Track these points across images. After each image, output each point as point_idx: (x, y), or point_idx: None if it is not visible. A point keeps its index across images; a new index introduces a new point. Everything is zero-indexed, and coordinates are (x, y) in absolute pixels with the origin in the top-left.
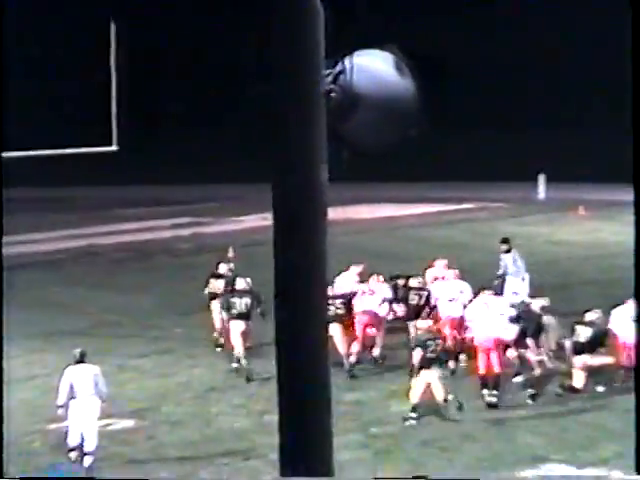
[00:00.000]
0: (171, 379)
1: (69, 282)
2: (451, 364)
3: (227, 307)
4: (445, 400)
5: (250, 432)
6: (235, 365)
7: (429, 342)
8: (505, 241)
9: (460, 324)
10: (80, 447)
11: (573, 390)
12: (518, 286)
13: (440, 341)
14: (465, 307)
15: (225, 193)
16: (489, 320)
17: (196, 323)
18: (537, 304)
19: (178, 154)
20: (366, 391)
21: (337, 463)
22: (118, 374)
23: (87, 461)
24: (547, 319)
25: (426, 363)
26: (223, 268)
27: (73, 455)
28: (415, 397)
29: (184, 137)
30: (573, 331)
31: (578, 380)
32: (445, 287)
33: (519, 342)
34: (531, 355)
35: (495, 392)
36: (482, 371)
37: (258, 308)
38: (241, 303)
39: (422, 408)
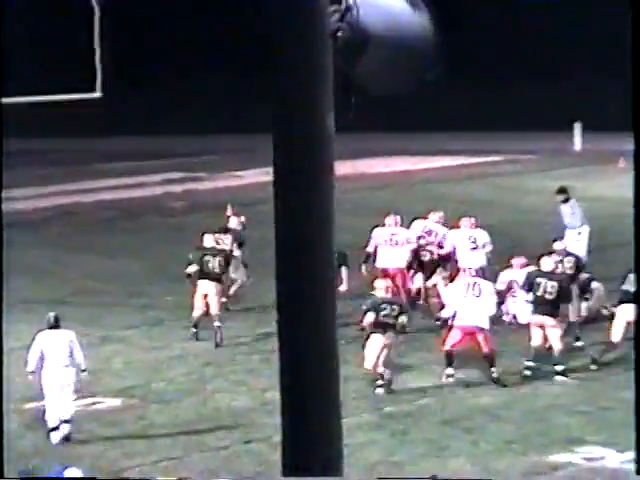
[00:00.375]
0: (162, 353)
1: (48, 245)
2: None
3: (198, 263)
4: (381, 375)
5: (251, 411)
6: (194, 330)
7: (384, 305)
8: (562, 191)
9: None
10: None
11: (610, 346)
12: (574, 240)
13: (396, 306)
14: (488, 259)
15: (222, 145)
16: (474, 305)
17: (190, 290)
18: (547, 264)
19: (170, 101)
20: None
21: (349, 446)
22: (103, 347)
23: (64, 429)
24: (595, 284)
25: (378, 328)
26: (234, 222)
27: (54, 436)
28: (369, 364)
29: (177, 82)
30: (625, 279)
31: (617, 332)
32: (464, 236)
33: (552, 310)
34: (552, 328)
35: (494, 369)
36: (447, 347)
37: (228, 270)
38: (213, 262)
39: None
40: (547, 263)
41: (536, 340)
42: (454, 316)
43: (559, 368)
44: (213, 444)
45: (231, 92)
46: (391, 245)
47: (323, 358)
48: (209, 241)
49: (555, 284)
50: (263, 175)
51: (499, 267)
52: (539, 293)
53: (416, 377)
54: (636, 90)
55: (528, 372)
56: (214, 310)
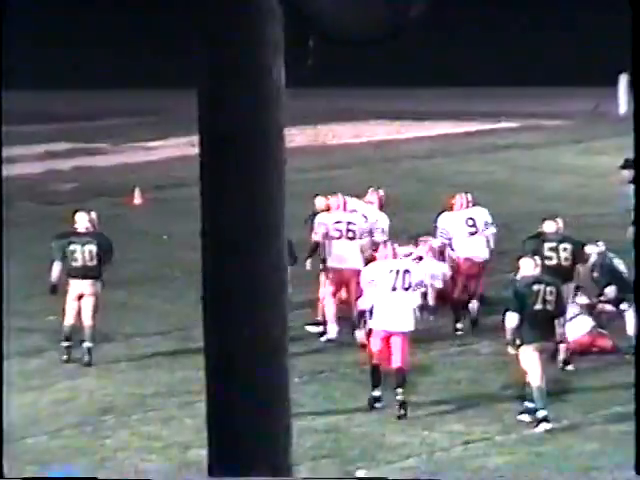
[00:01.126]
0: (43, 394)
1: None
2: None
3: (62, 257)
4: None
5: (168, 476)
6: (65, 344)
7: None
8: (630, 165)
9: (481, 269)
10: None
11: None
12: None
13: None
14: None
15: (131, 104)
16: (400, 301)
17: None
18: (528, 265)
19: (57, 46)
20: (347, 412)
21: None
22: None
23: None
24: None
25: None
26: None
27: None
28: None
29: (67, 21)
30: None
31: None
32: (459, 219)
33: (553, 328)
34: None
35: (400, 390)
36: (375, 360)
37: (107, 262)
38: (83, 252)
39: None
40: (528, 264)
41: (536, 376)
42: (371, 311)
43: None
44: None
45: (140, 35)
46: (347, 238)
47: (268, 403)
48: (82, 222)
49: (553, 289)
50: (185, 147)
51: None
52: (538, 306)
53: (397, 429)
54: (636, 93)
55: (548, 426)
56: (87, 320)
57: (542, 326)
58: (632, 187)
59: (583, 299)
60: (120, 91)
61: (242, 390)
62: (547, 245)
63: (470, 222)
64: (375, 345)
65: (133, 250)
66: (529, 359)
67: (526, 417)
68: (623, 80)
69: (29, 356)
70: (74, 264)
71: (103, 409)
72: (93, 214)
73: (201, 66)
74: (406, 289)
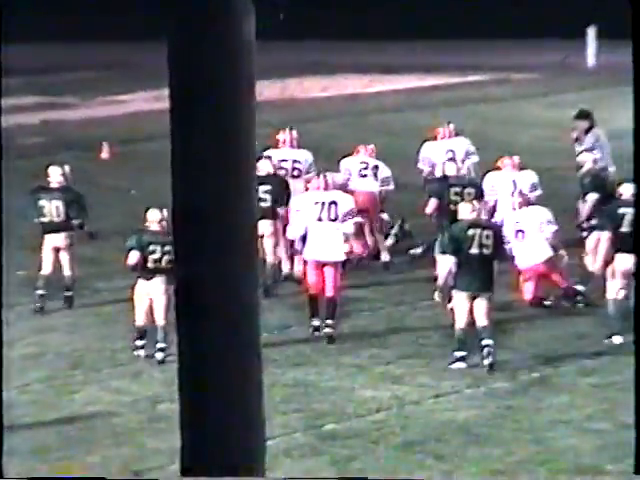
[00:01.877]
0: (12, 349)
1: None
2: None
3: (38, 213)
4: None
5: (136, 431)
6: (39, 292)
7: (153, 246)
8: (584, 115)
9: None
10: None
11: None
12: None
13: (169, 247)
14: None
15: (99, 57)
16: (328, 231)
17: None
18: (466, 209)
19: None
20: (317, 366)
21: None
22: None
23: None
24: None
25: (146, 273)
26: None
27: None
28: (139, 319)
29: None
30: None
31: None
32: (440, 150)
33: (490, 275)
34: (485, 300)
35: (331, 322)
36: (312, 291)
37: (77, 219)
38: (50, 208)
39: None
40: (465, 209)
41: (462, 319)
42: (304, 242)
43: (489, 342)
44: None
45: None
46: (292, 176)
47: (239, 355)
48: (55, 176)
49: (490, 233)
50: (153, 101)
51: None
52: (474, 250)
53: (367, 382)
54: (637, 93)
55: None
56: (66, 271)
57: (478, 272)
58: (587, 139)
59: (551, 227)
60: (88, 44)
61: (213, 343)
62: (453, 190)
63: (450, 154)
64: (310, 275)
65: (101, 205)
66: (458, 305)
67: (487, 359)
68: (591, 32)
69: None
70: (43, 219)
71: (72, 364)
72: (67, 167)
73: (171, 19)
74: (333, 220)
